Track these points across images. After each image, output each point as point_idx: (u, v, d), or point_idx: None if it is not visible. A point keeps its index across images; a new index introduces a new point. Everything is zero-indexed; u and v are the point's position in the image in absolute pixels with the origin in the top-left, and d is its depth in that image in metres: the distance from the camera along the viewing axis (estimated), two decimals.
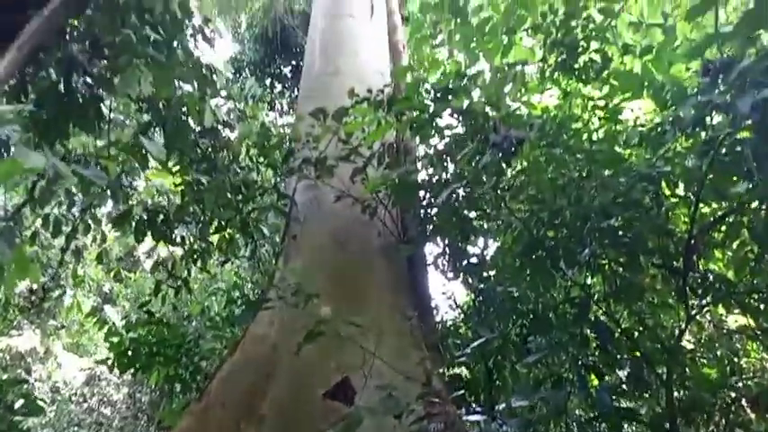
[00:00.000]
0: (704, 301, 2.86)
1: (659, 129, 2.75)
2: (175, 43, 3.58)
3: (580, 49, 3.62)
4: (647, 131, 3.23)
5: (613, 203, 2.86)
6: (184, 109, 4.18)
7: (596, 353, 2.92)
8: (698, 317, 3.40)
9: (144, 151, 4.30)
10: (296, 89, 12.92)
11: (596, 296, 3.00)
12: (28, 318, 10.85)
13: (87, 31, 3.24)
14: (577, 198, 2.91)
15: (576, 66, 3.71)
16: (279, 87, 13.06)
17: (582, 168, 3.15)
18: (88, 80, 3.37)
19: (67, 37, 3.54)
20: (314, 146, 3.68)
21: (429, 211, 3.96)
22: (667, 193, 2.99)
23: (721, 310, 3.67)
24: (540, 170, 2.73)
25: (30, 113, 3.61)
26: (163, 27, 3.50)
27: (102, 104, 3.67)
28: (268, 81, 13.04)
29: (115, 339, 5.13)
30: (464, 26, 5.21)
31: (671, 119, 2.55)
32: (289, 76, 13.31)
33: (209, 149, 4.51)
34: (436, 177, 3.39)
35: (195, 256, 4.40)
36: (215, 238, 4.65)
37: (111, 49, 3.01)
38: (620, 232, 2.84)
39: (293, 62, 13.07)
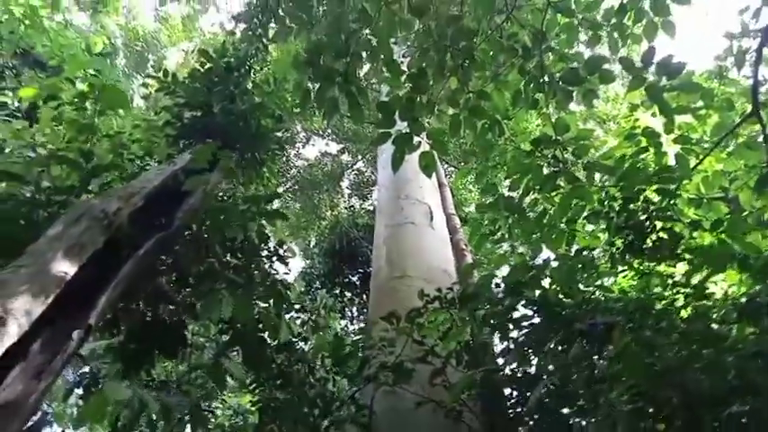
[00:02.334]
0: None
1: (755, 301, 2.57)
2: (252, 266, 3.84)
3: (647, 230, 3.61)
4: (742, 305, 3.03)
5: (726, 388, 2.58)
6: (261, 325, 4.33)
7: None
8: None
9: (222, 372, 4.40)
10: (364, 295, 13.31)
11: None
12: None
13: (174, 263, 3.54)
14: (682, 385, 2.64)
15: (645, 246, 3.66)
16: (348, 295, 13.46)
17: (678, 351, 2.92)
18: (172, 308, 3.58)
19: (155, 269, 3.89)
20: (389, 350, 3.64)
21: (519, 410, 3.68)
22: None
23: None
24: (634, 357, 2.53)
25: (118, 343, 3.82)
26: (241, 253, 3.79)
27: (184, 330, 3.85)
28: (338, 290, 13.52)
29: None
30: (522, 220, 5.36)
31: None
32: (357, 283, 13.79)
33: (285, 364, 4.53)
34: (521, 372, 3.20)
35: None
36: None
37: (196, 278, 3.24)
38: (743, 419, 2.50)
39: (360, 270, 13.64)
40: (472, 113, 4.92)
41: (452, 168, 12.93)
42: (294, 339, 4.64)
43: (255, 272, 3.74)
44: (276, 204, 4.62)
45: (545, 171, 5.22)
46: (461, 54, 4.79)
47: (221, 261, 3.30)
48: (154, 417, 5.36)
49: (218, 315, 3.14)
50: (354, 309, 13.72)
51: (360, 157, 13.70)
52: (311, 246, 13.56)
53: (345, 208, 13.64)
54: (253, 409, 5.30)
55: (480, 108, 4.89)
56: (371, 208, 13.83)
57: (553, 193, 5.36)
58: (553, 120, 5.32)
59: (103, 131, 3.60)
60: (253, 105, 5.30)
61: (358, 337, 5.50)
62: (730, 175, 5.73)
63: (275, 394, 4.44)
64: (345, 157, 14.06)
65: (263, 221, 3.90)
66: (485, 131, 5.36)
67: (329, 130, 13.36)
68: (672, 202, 3.74)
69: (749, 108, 5.41)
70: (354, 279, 13.98)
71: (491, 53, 5.10)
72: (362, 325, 12.45)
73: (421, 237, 5.73)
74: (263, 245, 3.91)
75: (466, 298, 3.74)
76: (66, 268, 2.39)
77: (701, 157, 5.24)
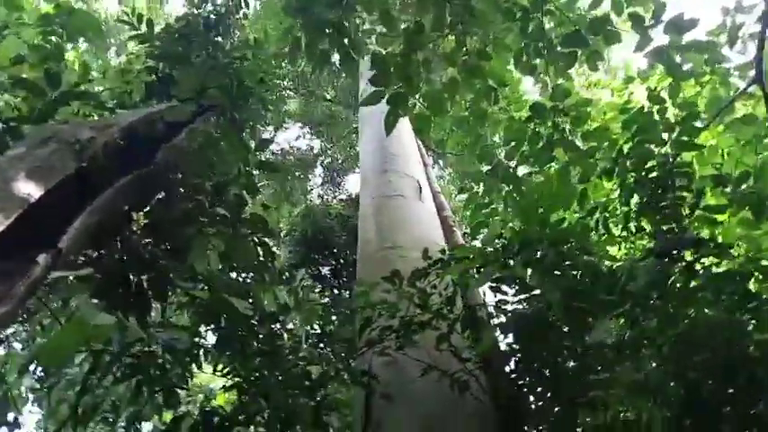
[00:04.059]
0: None
1: None
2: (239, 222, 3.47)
3: (667, 185, 3.39)
4: None
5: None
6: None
7: None
8: None
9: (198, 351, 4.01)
10: (334, 289, 12.94)
11: None
12: None
13: (153, 212, 3.13)
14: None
15: (664, 204, 3.45)
16: (319, 287, 13.03)
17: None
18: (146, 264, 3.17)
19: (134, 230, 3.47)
20: (390, 314, 3.31)
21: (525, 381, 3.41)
22: None
23: None
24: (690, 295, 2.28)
25: None
26: (227, 207, 3.41)
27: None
28: (309, 282, 13.07)
29: None
30: (517, 192, 5.12)
31: None
32: (329, 276, 13.39)
33: (270, 337, 4.16)
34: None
35: None
36: None
37: (180, 220, 2.85)
38: None
39: (333, 262, 13.24)
40: (470, 74, 4.65)
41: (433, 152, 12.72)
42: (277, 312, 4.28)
43: (241, 227, 3.36)
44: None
45: (542, 142, 5.00)
46: (460, 10, 4.52)
47: (209, 198, 2.92)
48: (117, 401, 4.90)
49: (204, 265, 2.75)
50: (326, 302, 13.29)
51: (334, 140, 13.34)
52: (282, 235, 13.10)
53: (318, 196, 13.25)
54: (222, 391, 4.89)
55: (479, 68, 4.63)
56: (344, 197, 13.47)
57: (548, 166, 5.15)
58: (551, 87, 5.11)
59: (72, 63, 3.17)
60: (233, 63, 4.89)
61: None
62: (725, 152, 5.62)
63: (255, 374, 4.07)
64: (318, 144, 13.68)
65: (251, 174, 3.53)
66: (480, 98, 5.11)
67: (303, 115, 12.93)
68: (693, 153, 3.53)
69: (742, 85, 5.31)
70: (326, 271, 13.55)
71: (488, 14, 4.83)
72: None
73: (411, 209, 5.44)
74: (245, 203, 3.52)
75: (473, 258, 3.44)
76: (30, 190, 1.99)
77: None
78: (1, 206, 1.84)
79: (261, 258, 4.05)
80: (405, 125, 7.16)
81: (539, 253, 2.64)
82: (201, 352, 4.50)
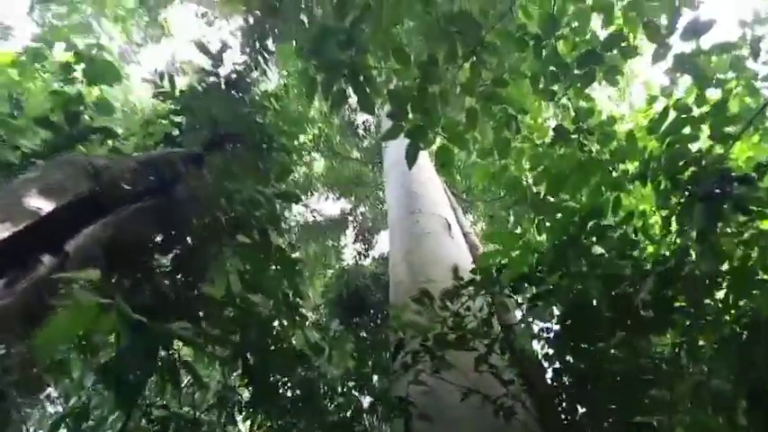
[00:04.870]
0: None
1: None
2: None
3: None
4: None
5: None
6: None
7: None
8: None
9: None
10: (373, 351, 12.58)
11: None
12: None
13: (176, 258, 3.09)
14: None
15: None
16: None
17: None
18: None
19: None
20: (422, 337, 3.12)
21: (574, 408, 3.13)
22: None
23: None
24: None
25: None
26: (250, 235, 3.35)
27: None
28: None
29: None
30: (550, 220, 4.95)
31: None
32: (368, 340, 13.08)
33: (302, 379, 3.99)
34: None
35: None
36: None
37: (200, 240, 2.79)
38: None
39: (371, 324, 12.97)
40: (488, 100, 4.62)
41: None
42: (309, 353, 4.13)
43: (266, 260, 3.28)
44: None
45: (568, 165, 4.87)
46: (472, 41, 4.55)
47: (227, 216, 2.86)
48: None
49: (226, 286, 2.66)
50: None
51: (363, 200, 13.40)
52: (316, 298, 12.99)
53: (352, 257, 13.18)
54: None
55: (496, 95, 4.60)
56: (377, 255, 13.37)
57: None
58: (572, 110, 5.04)
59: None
60: (254, 115, 4.99)
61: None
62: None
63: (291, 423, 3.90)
64: (347, 205, 13.76)
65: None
66: (501, 128, 5.06)
67: (329, 178, 13.08)
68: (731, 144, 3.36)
69: None
70: (363, 334, 13.24)
71: (501, 45, 4.85)
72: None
73: (441, 245, 5.31)
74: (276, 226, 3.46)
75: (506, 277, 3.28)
76: (40, 204, 1.99)
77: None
78: (11, 216, 1.82)
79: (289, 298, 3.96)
80: (428, 167, 7.17)
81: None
82: (236, 406, 4.39)
